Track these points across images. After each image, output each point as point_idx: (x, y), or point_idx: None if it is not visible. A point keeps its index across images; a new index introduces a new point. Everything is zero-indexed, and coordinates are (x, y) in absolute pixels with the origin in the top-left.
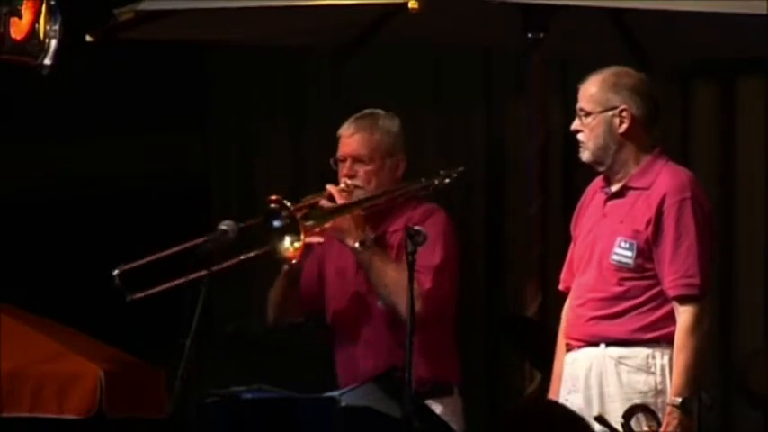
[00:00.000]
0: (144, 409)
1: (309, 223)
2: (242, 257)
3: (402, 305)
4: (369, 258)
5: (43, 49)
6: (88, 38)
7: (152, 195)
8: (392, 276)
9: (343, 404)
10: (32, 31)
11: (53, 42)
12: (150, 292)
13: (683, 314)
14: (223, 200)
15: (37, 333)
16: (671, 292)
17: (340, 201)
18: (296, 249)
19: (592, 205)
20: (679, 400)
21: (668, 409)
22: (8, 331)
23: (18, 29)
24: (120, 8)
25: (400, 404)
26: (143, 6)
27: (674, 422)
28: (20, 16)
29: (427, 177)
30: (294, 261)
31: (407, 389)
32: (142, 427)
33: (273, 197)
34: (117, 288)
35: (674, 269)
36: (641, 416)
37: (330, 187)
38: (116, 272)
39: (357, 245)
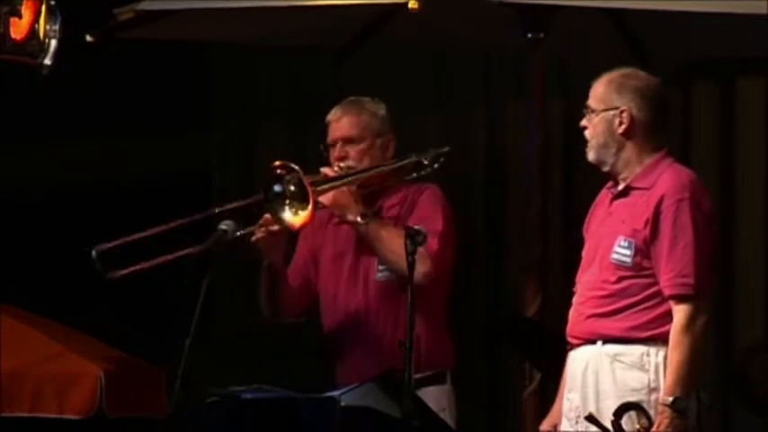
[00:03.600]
0: (144, 409)
1: (319, 188)
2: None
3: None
4: (374, 229)
5: (43, 49)
6: (88, 38)
7: (152, 195)
8: (399, 244)
9: (343, 404)
10: (32, 31)
11: (53, 42)
12: (131, 269)
13: (678, 313)
14: (223, 199)
15: (37, 333)
16: (666, 291)
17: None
18: (304, 216)
19: (600, 205)
20: (670, 399)
21: (660, 408)
22: (8, 331)
23: (18, 29)
24: (120, 8)
25: (400, 404)
26: (143, 6)
27: (666, 421)
28: (20, 16)
29: (417, 154)
30: (301, 227)
31: (407, 389)
32: (142, 427)
33: (278, 162)
34: (96, 267)
35: (670, 268)
36: (632, 414)
37: (325, 169)
38: (94, 252)
39: (359, 218)
